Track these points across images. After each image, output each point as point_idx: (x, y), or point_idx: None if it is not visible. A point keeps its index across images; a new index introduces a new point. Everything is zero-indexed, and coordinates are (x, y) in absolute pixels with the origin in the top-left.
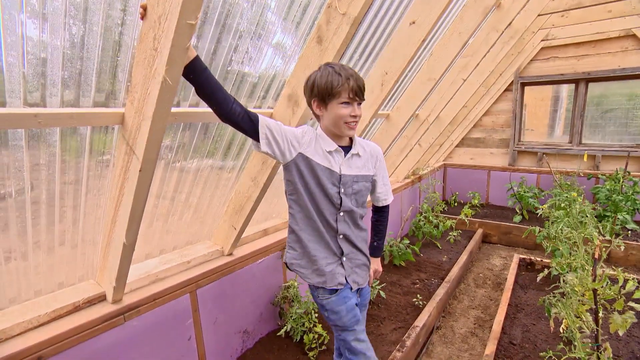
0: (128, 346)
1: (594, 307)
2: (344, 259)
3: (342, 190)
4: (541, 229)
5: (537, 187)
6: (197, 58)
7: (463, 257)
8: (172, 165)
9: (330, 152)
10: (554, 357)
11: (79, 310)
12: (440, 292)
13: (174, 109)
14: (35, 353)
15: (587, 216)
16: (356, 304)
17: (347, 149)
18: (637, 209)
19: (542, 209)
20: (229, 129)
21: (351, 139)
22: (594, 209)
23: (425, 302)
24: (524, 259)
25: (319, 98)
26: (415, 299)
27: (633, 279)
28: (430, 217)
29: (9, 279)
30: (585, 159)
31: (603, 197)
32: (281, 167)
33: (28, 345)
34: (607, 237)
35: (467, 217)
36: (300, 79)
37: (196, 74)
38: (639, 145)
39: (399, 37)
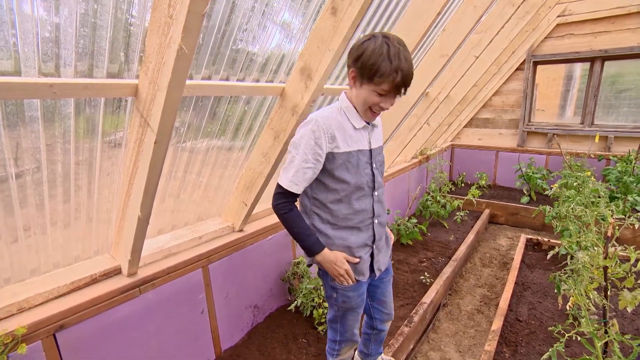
0: (144, 317)
1: (603, 284)
2: (374, 247)
3: (374, 165)
4: (551, 208)
5: (546, 168)
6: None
7: (470, 237)
8: (182, 145)
9: (358, 129)
10: (562, 331)
11: (96, 282)
12: (447, 271)
13: (187, 82)
14: (58, 321)
15: (600, 196)
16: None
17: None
18: None
19: (553, 188)
20: (239, 109)
21: None
22: (607, 188)
23: (432, 280)
24: (530, 239)
25: (358, 72)
26: (422, 277)
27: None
28: (438, 197)
29: (29, 252)
30: (597, 140)
31: (613, 178)
32: None
33: (51, 314)
34: (630, 220)
35: (474, 197)
36: (313, 52)
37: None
38: None
39: (414, 10)
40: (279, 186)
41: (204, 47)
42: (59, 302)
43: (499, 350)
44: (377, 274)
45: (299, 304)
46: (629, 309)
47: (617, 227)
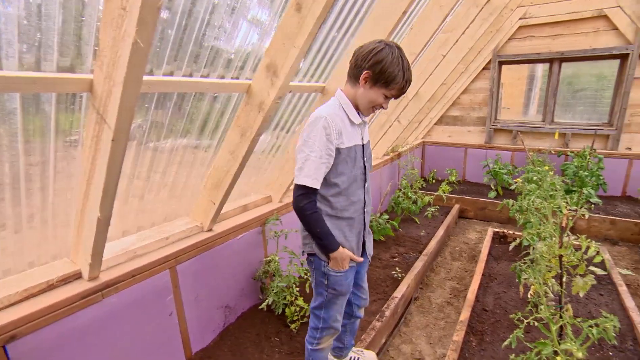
0: (107, 323)
1: (559, 272)
2: (365, 232)
3: (365, 158)
4: (514, 202)
5: (512, 164)
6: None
7: (440, 232)
8: (146, 144)
9: (355, 125)
10: (522, 318)
11: (54, 288)
12: (418, 265)
13: (147, 77)
14: (9, 332)
15: (556, 189)
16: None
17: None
18: (601, 184)
19: (516, 183)
20: (204, 106)
21: None
22: (563, 181)
23: (403, 275)
24: (497, 232)
25: (374, 77)
26: (394, 272)
27: (595, 245)
28: (409, 193)
29: None
30: (556, 137)
31: (571, 173)
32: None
33: (0, 324)
34: (582, 211)
35: (444, 193)
36: (279, 48)
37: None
38: (605, 124)
39: (380, 8)
40: (300, 187)
41: (165, 42)
42: (10, 312)
43: (466, 340)
44: (369, 258)
45: (270, 303)
46: (581, 294)
47: (570, 218)
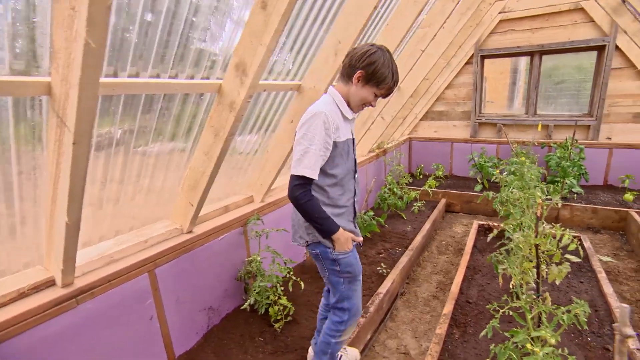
0: (83, 329)
1: (536, 261)
2: (355, 220)
3: (354, 152)
4: (495, 194)
5: (497, 157)
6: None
7: (426, 226)
8: (117, 148)
9: (347, 120)
10: (497, 308)
11: (25, 297)
12: (404, 260)
13: (110, 80)
14: None
15: (533, 179)
16: None
17: None
18: (583, 174)
19: (496, 175)
20: (175, 107)
21: None
22: (540, 172)
23: (389, 270)
24: (482, 224)
25: (366, 77)
26: (379, 268)
27: (569, 234)
28: (395, 189)
29: None
30: (539, 128)
31: (554, 164)
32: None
33: None
34: (556, 200)
35: (430, 188)
36: (247, 47)
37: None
38: (586, 114)
39: (352, 4)
40: (295, 177)
41: (126, 43)
42: None
43: (449, 332)
44: (360, 245)
45: (252, 303)
46: (557, 282)
47: (545, 208)
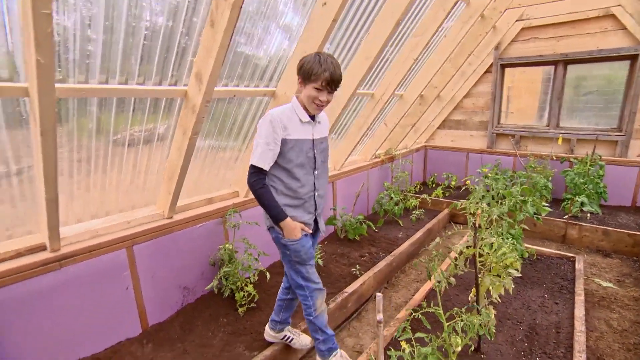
0: (65, 289)
1: (475, 272)
2: (317, 214)
3: (316, 151)
4: (463, 202)
5: (513, 169)
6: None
7: (417, 234)
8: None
9: (304, 123)
10: (412, 312)
11: (21, 256)
12: (381, 264)
13: (63, 85)
14: None
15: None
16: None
17: (312, 117)
18: (600, 192)
19: (468, 184)
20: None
21: None
22: (549, 187)
23: (363, 273)
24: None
25: (302, 77)
26: (353, 269)
27: (506, 247)
28: (392, 195)
29: None
30: (559, 142)
31: (569, 180)
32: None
33: None
34: (498, 211)
35: (429, 197)
36: (203, 58)
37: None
38: (614, 129)
39: (315, 19)
40: (251, 166)
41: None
42: None
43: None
44: (323, 235)
45: (216, 285)
46: (494, 295)
47: (485, 218)
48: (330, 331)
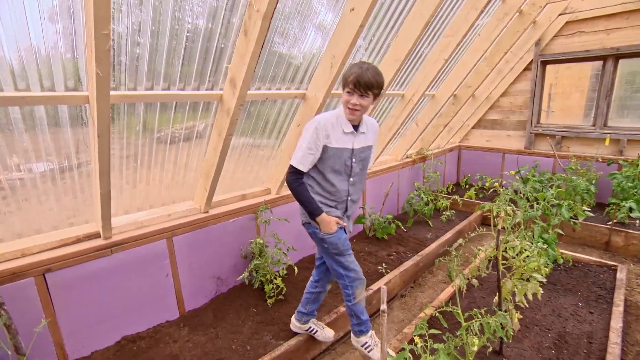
0: (115, 272)
1: (497, 274)
2: (347, 214)
3: (354, 160)
4: (488, 204)
5: (553, 171)
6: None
7: (447, 235)
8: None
9: (347, 133)
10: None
11: (80, 242)
12: (408, 264)
13: (116, 93)
14: (46, 265)
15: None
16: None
17: (356, 127)
18: None
19: (496, 187)
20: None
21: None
22: (591, 190)
23: (389, 271)
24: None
25: (342, 84)
26: (380, 267)
27: (530, 250)
28: (422, 195)
29: (37, 217)
30: (607, 143)
31: (616, 184)
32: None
33: (41, 259)
34: (521, 216)
35: (460, 198)
36: (237, 65)
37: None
38: None
39: (343, 23)
40: (290, 166)
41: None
42: (50, 253)
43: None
44: (348, 234)
45: (246, 277)
46: (518, 298)
47: (508, 221)
48: (365, 317)
